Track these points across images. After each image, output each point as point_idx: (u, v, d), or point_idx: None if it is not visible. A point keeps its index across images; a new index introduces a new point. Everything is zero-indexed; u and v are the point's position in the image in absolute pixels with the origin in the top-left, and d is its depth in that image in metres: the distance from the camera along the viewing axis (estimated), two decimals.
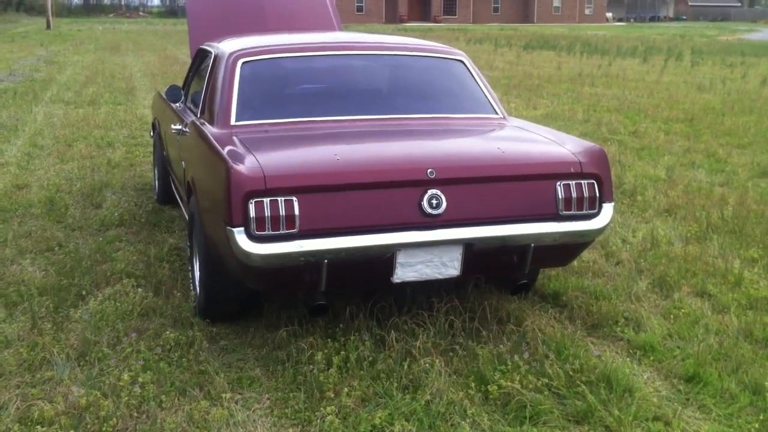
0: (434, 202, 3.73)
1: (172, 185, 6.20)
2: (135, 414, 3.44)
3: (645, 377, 3.85)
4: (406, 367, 3.79)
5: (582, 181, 4.00)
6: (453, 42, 32.87)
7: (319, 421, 3.40)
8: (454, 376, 3.79)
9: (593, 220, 4.03)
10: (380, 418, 3.39)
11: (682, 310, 4.59)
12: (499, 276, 4.70)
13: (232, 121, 4.35)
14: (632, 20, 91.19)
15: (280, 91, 4.82)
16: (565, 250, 4.18)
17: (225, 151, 3.84)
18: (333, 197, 3.68)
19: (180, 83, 6.50)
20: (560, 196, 3.96)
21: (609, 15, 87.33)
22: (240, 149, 3.87)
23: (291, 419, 3.45)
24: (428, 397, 3.55)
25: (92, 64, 22.47)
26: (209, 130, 4.36)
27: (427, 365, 3.81)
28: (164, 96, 5.97)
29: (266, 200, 3.55)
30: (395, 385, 3.66)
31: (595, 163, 4.06)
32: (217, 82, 4.61)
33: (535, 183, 3.99)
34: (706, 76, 19.41)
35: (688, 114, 12.65)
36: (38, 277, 5.09)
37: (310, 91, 4.93)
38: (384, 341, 4.06)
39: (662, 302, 4.78)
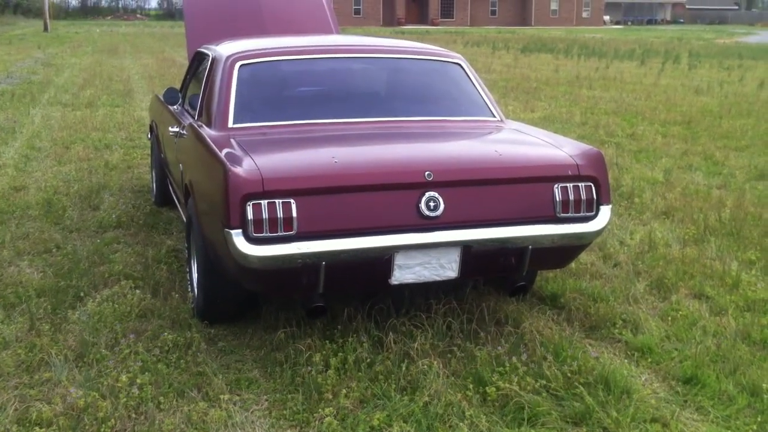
0: (432, 204, 3.74)
1: (170, 187, 6.21)
2: (133, 415, 3.44)
3: (643, 379, 3.85)
4: (404, 368, 3.80)
5: (579, 184, 4.01)
6: (450, 45, 32.91)
7: (317, 422, 3.40)
8: (452, 378, 3.79)
9: (591, 223, 4.04)
10: (378, 419, 3.39)
11: (680, 312, 4.60)
12: (497, 278, 4.70)
13: (230, 124, 4.36)
14: (629, 23, 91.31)
15: (277, 93, 4.83)
16: (563, 252, 4.19)
17: (223, 154, 3.84)
18: (331, 199, 3.68)
19: (178, 86, 6.51)
20: (558, 199, 3.96)
21: (606, 18, 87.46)
22: (238, 152, 3.88)
23: (289, 420, 3.45)
24: (426, 399, 3.55)
25: (90, 66, 22.47)
26: (207, 132, 4.36)
27: (425, 367, 3.81)
28: (162, 98, 5.98)
29: (264, 202, 3.55)
30: (393, 386, 3.66)
31: (593, 166, 4.07)
32: (214, 85, 4.62)
33: (532, 185, 4.00)
34: (704, 79, 19.44)
35: (685, 117, 12.67)
36: (36, 279, 5.09)
37: (307, 94, 4.94)
38: (382, 343, 4.06)
39: (660, 304, 4.78)
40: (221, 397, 3.58)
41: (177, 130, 5.10)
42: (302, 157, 4.05)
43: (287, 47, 5.08)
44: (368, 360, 3.88)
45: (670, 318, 4.53)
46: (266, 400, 3.62)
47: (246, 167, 3.63)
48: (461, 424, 3.39)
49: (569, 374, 3.78)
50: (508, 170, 4.02)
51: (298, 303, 4.34)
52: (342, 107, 4.73)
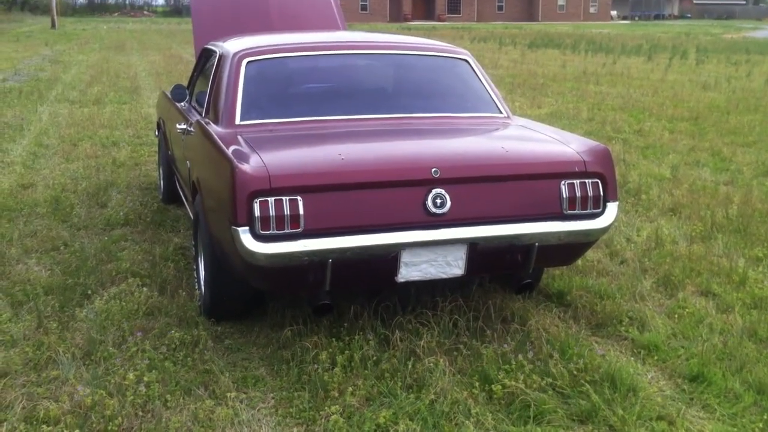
0: (438, 201, 3.74)
1: (177, 185, 6.22)
2: (140, 413, 3.45)
3: (649, 377, 3.85)
4: (410, 366, 3.80)
5: (586, 180, 4.00)
6: (457, 41, 32.86)
7: (323, 420, 3.41)
8: (459, 376, 3.79)
9: (597, 220, 4.03)
10: (384, 417, 3.39)
11: (687, 310, 4.59)
12: (504, 275, 4.70)
13: (237, 121, 4.36)
14: (637, 18, 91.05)
15: (284, 90, 4.83)
16: (570, 249, 4.18)
17: (230, 151, 3.84)
18: (337, 197, 3.68)
19: (185, 83, 6.51)
20: (564, 196, 3.96)
21: (613, 13, 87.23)
22: (245, 149, 3.88)
23: (295, 418, 3.45)
24: (432, 397, 3.56)
25: (97, 63, 22.51)
26: (214, 129, 4.37)
27: (432, 365, 3.81)
28: (169, 95, 5.99)
29: (271, 200, 3.55)
30: (399, 384, 3.67)
31: (600, 162, 4.06)
32: (221, 82, 4.62)
33: (539, 182, 3.99)
34: (711, 75, 19.37)
35: (692, 112, 12.63)
36: (44, 277, 5.11)
37: (314, 91, 4.94)
38: (388, 340, 4.07)
39: (666, 301, 4.78)
40: (228, 394, 3.59)
41: (184, 127, 5.11)
42: (309, 154, 4.06)
43: (294, 44, 5.08)
44: (374, 358, 3.89)
45: (676, 315, 4.52)
46: (273, 397, 3.63)
47: (253, 164, 3.63)
48: (467, 421, 3.39)
49: (575, 372, 3.78)
50: (514, 167, 4.01)
51: (305, 300, 4.35)
52: (349, 104, 4.73)
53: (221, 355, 4.04)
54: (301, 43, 5.12)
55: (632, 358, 4.04)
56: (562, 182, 3.97)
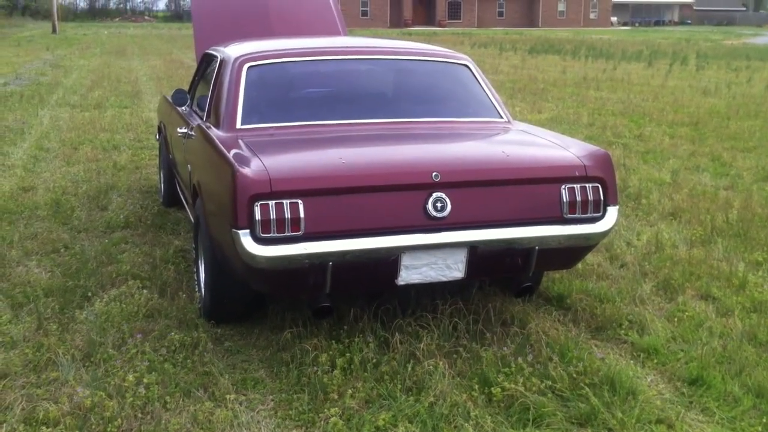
0: (439, 205, 3.74)
1: (178, 188, 6.23)
2: (140, 415, 3.46)
3: (648, 380, 3.85)
4: (409, 369, 3.80)
5: (587, 185, 4.01)
6: (458, 46, 32.90)
7: (322, 422, 3.41)
8: (458, 378, 3.80)
9: (598, 224, 4.04)
10: (384, 419, 3.40)
11: (686, 313, 4.59)
12: (504, 278, 4.70)
13: (238, 125, 4.37)
14: (637, 24, 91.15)
15: (285, 95, 4.84)
16: (570, 253, 4.19)
17: (231, 155, 3.85)
18: (338, 200, 3.69)
19: (186, 87, 6.53)
20: (565, 200, 3.96)
21: (614, 19, 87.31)
22: (246, 152, 3.89)
23: (295, 420, 3.46)
24: (432, 399, 3.56)
25: (98, 68, 22.54)
26: (215, 133, 4.38)
27: (431, 367, 3.82)
28: (170, 100, 6.00)
29: (272, 203, 3.56)
30: (399, 386, 3.67)
31: (600, 167, 4.07)
32: (222, 86, 4.64)
33: (539, 186, 4.00)
34: (711, 80, 19.40)
35: (693, 118, 12.64)
36: (44, 279, 5.12)
37: (315, 95, 4.95)
38: (388, 343, 4.07)
39: (666, 305, 4.78)
40: (227, 396, 3.60)
41: (185, 131, 5.12)
42: (310, 158, 4.07)
43: (295, 49, 5.10)
44: (374, 360, 3.89)
45: (676, 319, 4.52)
46: (272, 400, 3.64)
47: (254, 168, 3.64)
48: (466, 424, 3.39)
49: (575, 375, 3.78)
50: (515, 171, 4.02)
51: (305, 303, 4.35)
52: (349, 108, 4.74)
53: (221, 357, 4.04)
54: (302, 49, 5.13)
55: (632, 362, 4.04)
56: (563, 186, 3.97)
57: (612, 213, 4.08)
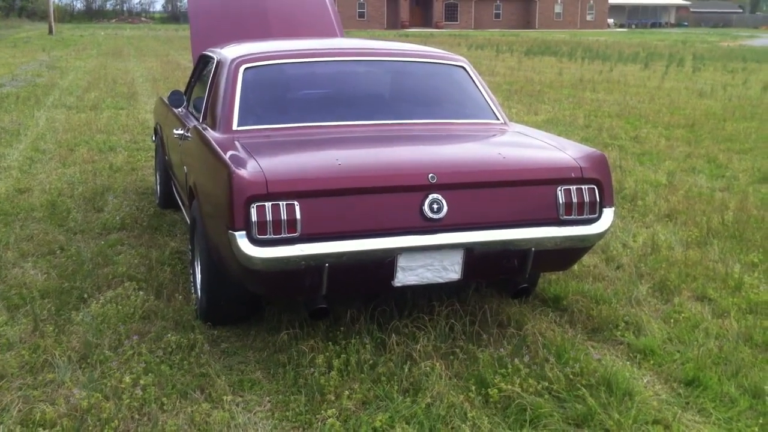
0: (435, 206, 3.75)
1: (174, 189, 6.22)
2: (136, 416, 3.45)
3: (645, 381, 3.86)
4: (406, 370, 3.81)
5: (583, 186, 4.01)
6: (454, 48, 32.94)
7: (319, 423, 3.41)
8: (455, 380, 3.80)
9: (594, 225, 4.04)
10: (381, 421, 3.40)
11: (683, 315, 4.60)
12: (500, 280, 4.71)
13: (234, 126, 4.37)
14: (633, 26, 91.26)
15: (281, 96, 4.84)
16: (566, 254, 4.19)
17: (227, 156, 3.85)
18: (334, 201, 3.69)
19: (182, 88, 6.53)
20: (561, 201, 3.97)
21: (610, 21, 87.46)
22: (242, 154, 3.89)
23: (292, 422, 3.46)
24: (429, 401, 3.56)
25: (94, 69, 22.52)
26: (211, 135, 4.38)
27: (428, 368, 3.82)
28: (166, 101, 5.99)
29: (268, 204, 3.56)
30: (396, 388, 3.67)
31: (596, 168, 4.08)
32: (219, 88, 4.64)
33: (535, 188, 4.00)
34: (708, 82, 19.44)
35: (689, 119, 12.67)
36: (40, 280, 5.11)
37: (311, 97, 4.95)
38: (385, 344, 4.07)
39: (662, 306, 4.79)
40: (224, 398, 3.59)
41: (181, 132, 5.12)
42: (306, 160, 4.06)
43: (292, 50, 5.10)
44: (371, 361, 3.89)
45: (672, 320, 4.53)
46: (269, 401, 3.63)
47: (250, 169, 3.64)
48: (463, 425, 3.39)
49: (571, 376, 3.78)
50: (511, 173, 4.02)
51: (302, 305, 4.35)
52: (346, 110, 4.74)
53: (217, 359, 4.04)
54: (299, 50, 5.13)
55: (628, 363, 4.04)
56: (559, 188, 3.98)
57: (608, 214, 4.09)
